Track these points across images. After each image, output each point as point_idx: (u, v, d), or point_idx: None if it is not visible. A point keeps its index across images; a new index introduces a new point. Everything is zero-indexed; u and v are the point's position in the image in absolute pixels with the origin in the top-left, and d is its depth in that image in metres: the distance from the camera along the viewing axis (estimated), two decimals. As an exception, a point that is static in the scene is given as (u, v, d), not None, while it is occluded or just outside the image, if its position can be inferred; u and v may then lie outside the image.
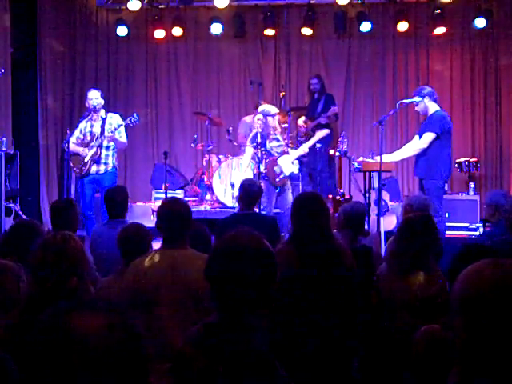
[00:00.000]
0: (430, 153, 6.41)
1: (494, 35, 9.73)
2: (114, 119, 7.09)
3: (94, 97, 7.03)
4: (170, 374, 1.79)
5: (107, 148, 7.03)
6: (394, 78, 10.14)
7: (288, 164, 7.28)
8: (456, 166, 8.99)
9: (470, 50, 9.93)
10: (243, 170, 8.06)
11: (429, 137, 6.40)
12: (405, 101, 6.99)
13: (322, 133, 7.74)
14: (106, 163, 7.04)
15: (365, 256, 3.85)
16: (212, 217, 7.78)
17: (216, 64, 10.41)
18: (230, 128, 8.97)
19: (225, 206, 8.56)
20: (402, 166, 9.76)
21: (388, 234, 6.30)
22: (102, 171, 7.02)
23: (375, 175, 6.88)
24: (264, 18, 9.93)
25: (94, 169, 7.01)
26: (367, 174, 7.19)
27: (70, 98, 10.19)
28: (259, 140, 7.49)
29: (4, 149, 8.07)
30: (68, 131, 7.39)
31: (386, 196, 7.87)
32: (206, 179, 8.99)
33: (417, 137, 6.68)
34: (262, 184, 7.18)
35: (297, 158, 7.46)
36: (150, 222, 8.25)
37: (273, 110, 7.52)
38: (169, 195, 8.14)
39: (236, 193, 7.48)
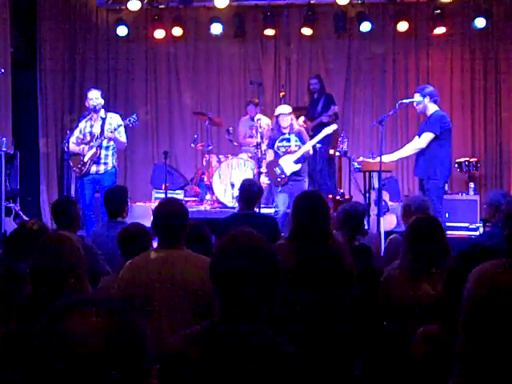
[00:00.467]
0: (429, 153, 6.41)
1: (494, 35, 9.73)
2: (114, 119, 7.09)
3: (94, 97, 7.03)
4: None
5: (107, 148, 7.03)
6: (394, 78, 10.14)
7: (289, 164, 7.26)
8: (456, 166, 8.99)
9: (470, 50, 9.93)
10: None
11: (427, 137, 6.39)
12: (405, 101, 6.99)
13: (329, 129, 7.59)
14: (105, 163, 7.03)
15: (363, 255, 3.85)
16: (212, 217, 7.78)
17: (216, 64, 10.42)
18: (230, 128, 8.99)
19: (225, 206, 8.56)
20: (402, 166, 9.76)
21: (388, 234, 6.30)
22: (102, 171, 7.02)
23: (375, 175, 6.88)
24: (264, 18, 9.93)
25: (93, 169, 7.00)
26: (367, 173, 7.20)
27: (70, 98, 10.20)
28: (259, 140, 7.49)
29: (4, 149, 8.06)
30: (68, 131, 7.39)
31: (385, 196, 7.87)
32: (206, 179, 8.99)
33: (416, 137, 6.68)
34: (264, 185, 7.20)
35: (303, 156, 7.37)
36: (150, 222, 8.26)
37: (285, 109, 7.43)
38: (169, 195, 8.14)
39: (236, 193, 7.48)
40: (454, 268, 2.28)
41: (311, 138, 8.93)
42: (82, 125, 7.12)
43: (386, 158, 6.72)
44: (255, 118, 8.86)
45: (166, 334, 2.88)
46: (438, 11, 9.45)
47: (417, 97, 6.54)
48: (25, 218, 8.40)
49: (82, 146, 7.01)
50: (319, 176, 8.64)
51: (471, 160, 9.26)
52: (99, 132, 6.97)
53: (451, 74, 10.00)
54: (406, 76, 10.13)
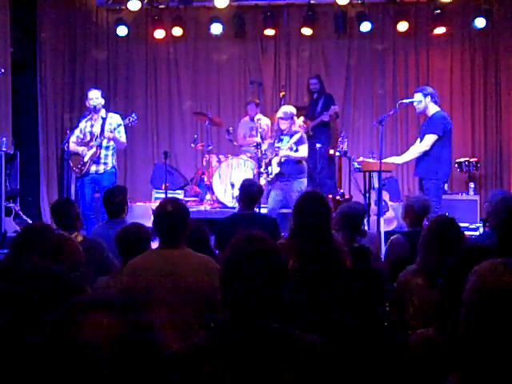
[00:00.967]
0: (431, 153, 6.41)
1: (494, 35, 9.73)
2: (114, 119, 7.09)
3: (95, 96, 7.03)
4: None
5: (107, 148, 7.03)
6: (394, 78, 10.14)
7: (274, 165, 7.27)
8: (456, 166, 8.99)
9: (470, 50, 9.92)
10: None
11: (431, 139, 6.39)
12: (405, 101, 6.99)
13: (303, 151, 7.47)
14: (105, 163, 7.03)
15: (363, 256, 3.84)
16: (212, 217, 7.78)
17: (216, 64, 10.41)
18: (230, 128, 8.98)
19: (225, 206, 8.56)
20: (402, 166, 9.74)
21: (388, 234, 6.30)
22: (102, 171, 7.02)
23: (375, 175, 6.88)
24: (264, 18, 9.93)
25: (93, 168, 7.01)
26: (367, 173, 7.20)
27: (70, 97, 10.19)
28: (259, 140, 7.48)
29: (4, 149, 8.06)
30: (68, 131, 7.40)
31: (386, 196, 7.87)
32: (206, 179, 8.98)
33: (418, 140, 6.68)
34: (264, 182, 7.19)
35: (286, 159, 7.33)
36: (150, 222, 8.25)
37: (285, 113, 7.37)
38: (169, 195, 8.14)
39: (236, 193, 7.47)
40: (451, 269, 2.27)
41: (311, 138, 8.95)
42: (82, 124, 7.12)
43: (392, 160, 6.75)
44: (255, 118, 8.86)
45: (168, 332, 2.89)
46: (438, 11, 9.45)
47: (417, 97, 6.54)
48: (25, 217, 8.41)
49: (82, 147, 7.01)
50: (319, 176, 8.64)
51: (471, 160, 9.26)
52: (99, 132, 6.97)
53: (451, 73, 10.00)
54: (405, 76, 10.12)
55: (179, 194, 9.05)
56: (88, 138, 7.02)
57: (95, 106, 7.00)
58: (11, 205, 8.29)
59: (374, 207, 6.91)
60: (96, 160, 6.98)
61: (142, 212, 8.60)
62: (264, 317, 1.87)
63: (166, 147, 9.88)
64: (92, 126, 7.05)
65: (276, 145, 7.31)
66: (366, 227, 5.57)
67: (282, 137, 7.32)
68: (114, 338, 1.17)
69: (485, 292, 1.71)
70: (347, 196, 8.48)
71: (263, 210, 7.10)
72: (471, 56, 9.92)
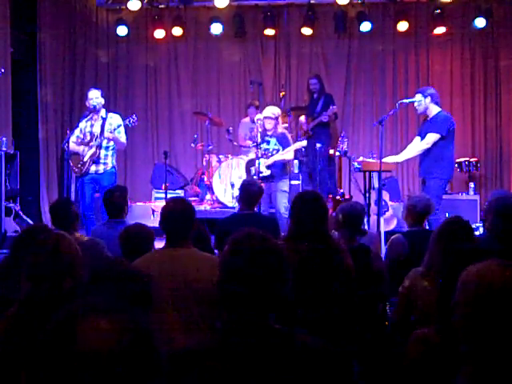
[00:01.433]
0: (435, 153, 6.40)
1: (494, 35, 9.73)
2: (114, 119, 7.09)
3: (94, 96, 7.02)
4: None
5: (106, 148, 7.02)
6: (394, 78, 10.14)
7: (262, 167, 7.29)
8: (456, 165, 8.98)
9: (470, 50, 9.93)
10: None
11: (432, 137, 6.38)
12: (405, 101, 6.99)
13: (299, 144, 7.68)
14: (105, 163, 7.03)
15: (363, 256, 3.84)
16: (212, 217, 7.78)
17: (216, 64, 10.42)
18: (230, 128, 8.98)
19: (225, 206, 8.56)
20: (402, 166, 9.76)
21: (388, 233, 6.30)
22: (101, 171, 7.01)
23: (375, 175, 6.88)
24: (264, 18, 9.93)
25: (93, 168, 7.00)
26: (367, 173, 7.20)
27: (70, 97, 10.20)
28: (259, 140, 7.49)
29: (4, 149, 8.06)
30: (68, 131, 7.39)
31: (386, 196, 7.87)
32: (206, 179, 8.99)
33: (417, 138, 6.66)
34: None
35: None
36: (150, 222, 8.25)
37: (271, 113, 7.41)
38: (169, 195, 8.14)
39: (236, 193, 7.48)
40: (450, 269, 2.26)
41: (311, 138, 8.95)
42: (82, 124, 7.11)
43: (391, 159, 6.73)
44: (255, 119, 8.85)
45: (175, 332, 2.89)
46: (438, 11, 9.45)
47: (418, 97, 6.52)
48: (25, 217, 8.40)
49: (82, 147, 7.01)
50: (319, 176, 8.63)
51: (471, 160, 9.26)
52: (99, 132, 6.96)
53: (451, 73, 10.00)
54: (406, 76, 10.13)
55: (179, 194, 9.05)
56: (88, 137, 7.02)
57: (95, 106, 7.00)
58: (11, 205, 8.28)
59: (374, 207, 6.91)
60: (96, 160, 6.98)
61: (142, 212, 8.61)
62: (263, 316, 1.86)
63: (166, 147, 9.88)
64: (92, 125, 7.04)
65: (264, 147, 7.34)
66: (365, 227, 5.58)
67: (267, 138, 7.36)
68: (112, 343, 1.16)
69: (478, 292, 1.71)
70: (347, 196, 8.48)
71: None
72: (471, 56, 9.92)
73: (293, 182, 8.49)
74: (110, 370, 1.14)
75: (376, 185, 6.83)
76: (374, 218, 6.79)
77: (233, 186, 8.39)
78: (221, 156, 8.97)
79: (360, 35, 9.93)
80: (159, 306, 3.03)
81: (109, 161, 7.05)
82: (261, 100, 9.68)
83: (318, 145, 8.37)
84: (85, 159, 6.98)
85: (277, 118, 7.37)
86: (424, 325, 3.17)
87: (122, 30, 9.95)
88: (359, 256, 3.72)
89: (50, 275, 2.41)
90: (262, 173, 7.26)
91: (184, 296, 3.08)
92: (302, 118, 9.37)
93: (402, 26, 9.67)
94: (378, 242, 5.74)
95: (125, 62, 10.51)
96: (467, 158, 9.27)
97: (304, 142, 7.85)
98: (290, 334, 1.84)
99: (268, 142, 7.36)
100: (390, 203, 8.10)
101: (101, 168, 7.01)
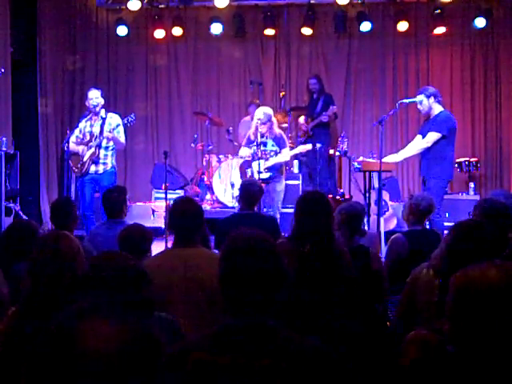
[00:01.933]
0: (436, 153, 6.39)
1: (494, 35, 9.73)
2: (114, 119, 7.09)
3: (94, 96, 7.02)
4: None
5: (106, 148, 7.02)
6: (394, 78, 10.14)
7: (261, 170, 7.28)
8: (456, 165, 8.99)
9: (470, 50, 9.93)
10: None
11: (433, 136, 6.37)
12: (405, 101, 6.98)
13: (303, 147, 7.71)
14: (104, 163, 7.03)
15: (362, 255, 3.84)
16: (212, 217, 7.76)
17: (216, 64, 10.42)
18: (230, 128, 8.98)
19: (225, 206, 8.55)
20: (402, 166, 9.76)
21: (388, 233, 6.30)
22: (101, 171, 7.01)
23: (375, 175, 6.88)
24: (264, 18, 9.93)
25: (92, 168, 7.00)
26: (367, 173, 7.20)
27: (70, 98, 10.20)
28: (259, 140, 7.48)
29: (4, 149, 8.07)
30: (68, 131, 7.39)
31: (386, 196, 7.88)
32: (206, 179, 8.98)
33: (419, 136, 6.65)
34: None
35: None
36: (150, 222, 8.26)
37: (264, 115, 7.36)
38: (169, 195, 8.13)
39: (236, 193, 7.48)
40: (448, 269, 2.26)
41: (311, 138, 8.95)
42: (82, 124, 7.11)
43: (391, 158, 6.72)
44: (255, 118, 8.84)
45: (184, 328, 2.89)
46: (438, 11, 9.45)
47: (420, 97, 6.49)
48: (25, 217, 8.40)
49: (82, 146, 7.00)
50: (319, 176, 8.64)
51: (471, 160, 9.26)
52: (99, 132, 6.96)
53: (451, 73, 10.00)
54: (406, 76, 10.13)
55: (179, 194, 9.05)
56: (87, 137, 7.02)
57: (95, 106, 7.00)
58: (11, 205, 8.29)
59: (374, 207, 6.91)
60: (95, 160, 6.98)
61: (142, 212, 8.61)
62: (263, 316, 1.86)
63: (166, 147, 9.87)
64: (92, 125, 7.04)
65: (262, 148, 7.33)
66: (365, 227, 5.58)
67: (264, 140, 7.35)
68: (114, 345, 1.15)
69: (469, 295, 1.72)
70: (347, 196, 8.49)
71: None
72: (471, 56, 9.92)
73: (293, 182, 8.49)
74: (110, 372, 1.13)
75: (376, 185, 6.83)
76: (373, 217, 6.79)
77: (233, 185, 8.39)
78: (221, 156, 8.97)
79: (360, 35, 9.93)
80: (170, 306, 3.03)
81: (108, 161, 7.05)
82: (261, 100, 9.68)
83: (318, 145, 8.38)
84: (84, 159, 6.98)
85: (270, 119, 7.30)
86: (425, 319, 3.18)
87: (122, 30, 9.95)
88: (358, 256, 3.72)
89: (51, 272, 2.41)
90: (261, 173, 7.26)
91: (194, 295, 3.09)
92: (301, 119, 9.37)
93: (402, 26, 9.67)
94: (378, 242, 5.75)
95: (125, 62, 10.51)
96: (467, 158, 9.27)
97: (309, 146, 7.84)
98: (289, 334, 1.84)
99: (265, 144, 7.34)
100: (390, 203, 8.10)
101: (100, 168, 7.01)
